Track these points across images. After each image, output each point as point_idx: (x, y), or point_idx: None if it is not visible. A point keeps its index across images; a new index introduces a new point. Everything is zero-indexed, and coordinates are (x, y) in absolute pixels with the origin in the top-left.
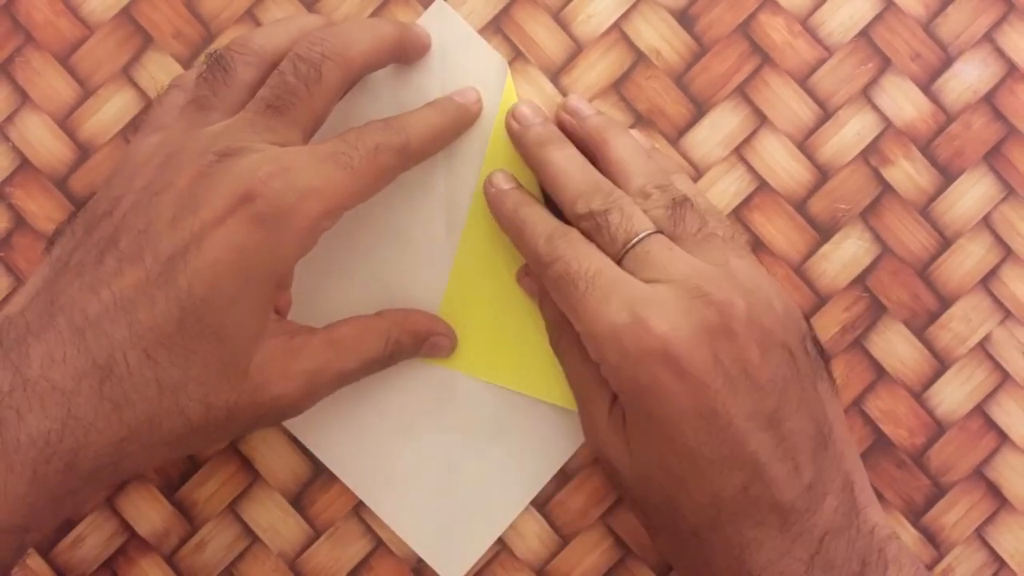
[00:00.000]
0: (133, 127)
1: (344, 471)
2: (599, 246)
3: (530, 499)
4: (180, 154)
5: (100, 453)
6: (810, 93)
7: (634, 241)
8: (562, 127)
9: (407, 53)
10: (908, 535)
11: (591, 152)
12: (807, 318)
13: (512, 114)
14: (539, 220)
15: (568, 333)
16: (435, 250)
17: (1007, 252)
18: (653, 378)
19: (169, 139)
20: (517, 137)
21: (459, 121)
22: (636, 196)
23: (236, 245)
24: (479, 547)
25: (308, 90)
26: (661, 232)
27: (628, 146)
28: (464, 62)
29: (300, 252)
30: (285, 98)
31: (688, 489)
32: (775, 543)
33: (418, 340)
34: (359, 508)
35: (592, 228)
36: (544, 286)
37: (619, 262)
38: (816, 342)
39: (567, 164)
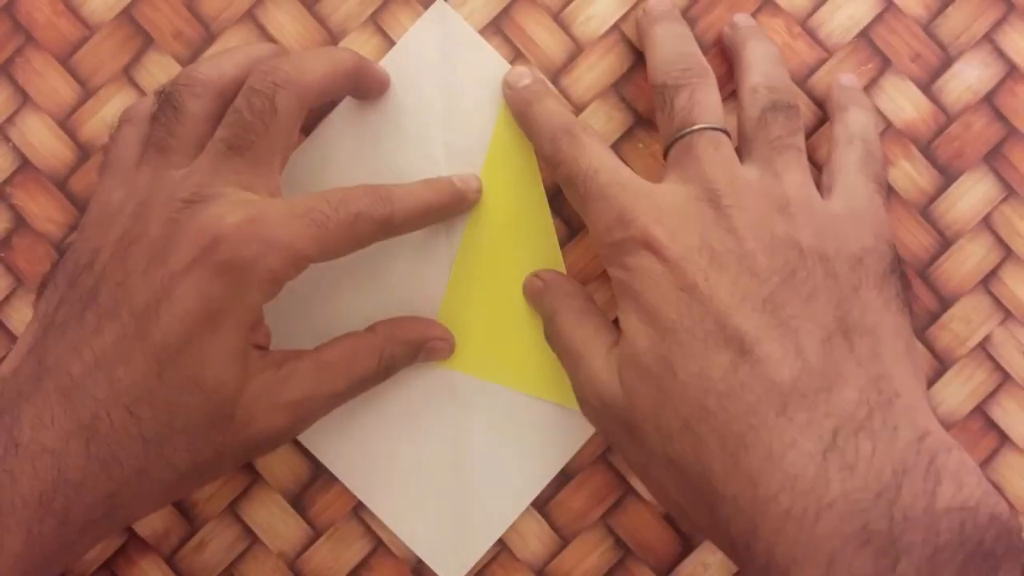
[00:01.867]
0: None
1: (344, 472)
2: (659, 121)
3: (531, 500)
4: (150, 202)
5: (91, 508)
6: (809, 94)
7: (687, 131)
8: (721, 38)
9: (365, 84)
10: None
11: (732, 60)
12: (893, 245)
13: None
14: (547, 117)
15: (565, 308)
16: (435, 251)
17: (1007, 253)
18: (636, 259)
19: (137, 188)
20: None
21: (452, 204)
22: (745, 92)
23: (203, 295)
24: (479, 548)
25: (265, 125)
26: (724, 131)
27: (765, 50)
28: (465, 63)
29: (264, 299)
30: (244, 137)
31: (674, 368)
32: (774, 431)
33: (413, 349)
34: (359, 509)
35: (659, 103)
36: (534, 286)
37: (668, 146)
38: (893, 263)
39: (665, 35)
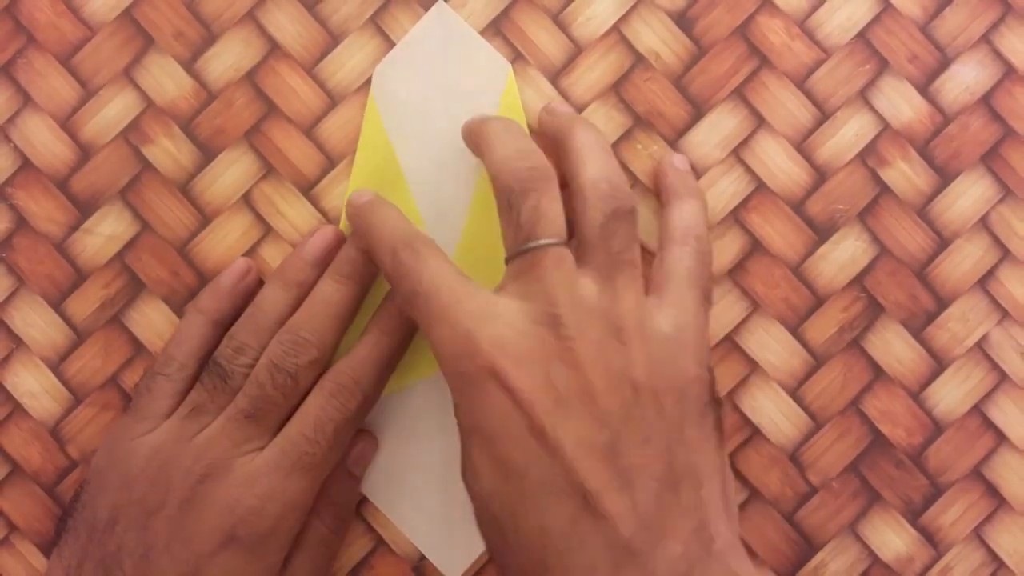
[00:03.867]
0: (134, 129)
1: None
2: (504, 224)
3: None
4: (170, 468)
5: None
6: (808, 95)
7: (531, 245)
8: (539, 127)
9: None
10: (906, 535)
11: (556, 145)
12: (710, 369)
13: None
14: (389, 228)
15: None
16: None
17: (1004, 253)
18: (483, 394)
19: (162, 447)
20: (464, 128)
21: (409, 332)
22: (586, 187)
23: (231, 570)
24: (481, 544)
25: (285, 398)
26: (564, 244)
27: (596, 139)
28: (466, 63)
29: (286, 551)
30: (263, 407)
31: (517, 519)
32: None
33: (353, 492)
34: (361, 507)
35: (503, 206)
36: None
37: (512, 256)
38: (711, 392)
39: (502, 129)
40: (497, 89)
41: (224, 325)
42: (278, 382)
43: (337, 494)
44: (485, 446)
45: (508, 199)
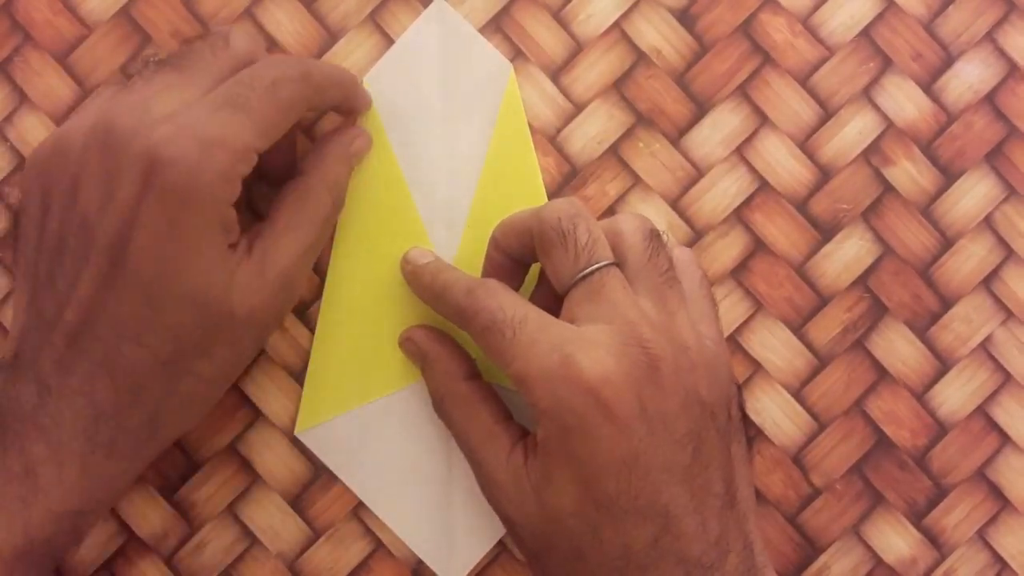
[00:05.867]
0: None
1: (346, 473)
2: (555, 259)
3: None
4: (93, 131)
5: (134, 433)
6: (811, 93)
7: (594, 267)
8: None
9: (350, 104)
10: (910, 537)
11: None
12: (738, 385)
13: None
14: (457, 279)
15: (451, 395)
16: (436, 251)
17: (1009, 252)
18: (582, 420)
19: (93, 109)
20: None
21: (332, 85)
22: (614, 222)
23: (163, 218)
24: (479, 549)
25: (215, 55)
26: (618, 265)
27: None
28: (465, 61)
29: (225, 201)
30: (190, 57)
31: (600, 539)
32: None
33: (345, 159)
34: (359, 509)
35: (556, 238)
36: (427, 352)
37: (572, 286)
38: (741, 407)
39: (519, 210)
40: (498, 90)
41: None
42: (208, 39)
43: (332, 166)
44: (575, 468)
45: (557, 232)
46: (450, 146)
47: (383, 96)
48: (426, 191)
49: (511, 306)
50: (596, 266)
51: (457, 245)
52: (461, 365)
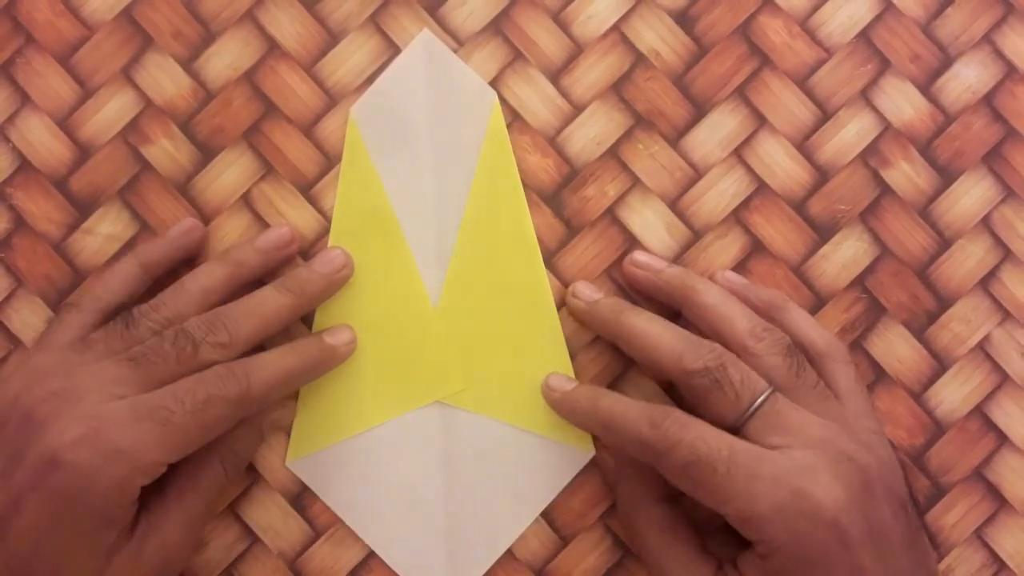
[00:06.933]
0: (133, 129)
1: (335, 502)
2: (714, 404)
3: (518, 534)
4: (31, 383)
5: None
6: (809, 94)
7: (760, 400)
8: (633, 281)
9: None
10: None
11: (674, 303)
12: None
13: (573, 292)
14: (627, 407)
15: (646, 517)
16: (425, 280)
17: (1006, 253)
18: (823, 552)
19: (36, 366)
20: (585, 313)
21: (321, 364)
22: (747, 339)
23: (46, 515)
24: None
25: (177, 361)
26: (777, 388)
27: (717, 291)
28: (451, 92)
29: (120, 502)
30: (151, 358)
31: None
32: None
33: (254, 437)
34: None
35: (710, 384)
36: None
37: (744, 422)
38: (913, 497)
39: (653, 326)
40: (483, 117)
41: (154, 277)
42: (178, 343)
43: (239, 441)
44: None
45: (710, 375)
46: (437, 176)
47: (370, 126)
48: (414, 220)
49: (712, 438)
50: (760, 400)
51: (447, 272)
52: (656, 486)
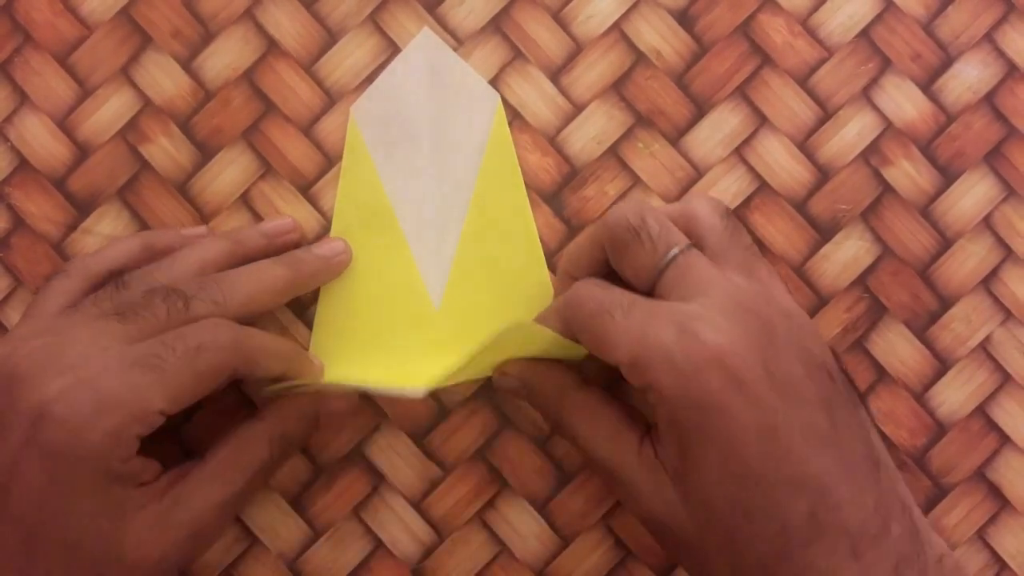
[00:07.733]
0: (132, 128)
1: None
2: (632, 257)
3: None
4: (17, 346)
5: None
6: (810, 93)
7: (675, 252)
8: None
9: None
10: None
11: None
12: (833, 350)
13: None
14: (545, 317)
15: (568, 406)
16: (425, 282)
17: (1008, 253)
18: (710, 393)
19: (21, 329)
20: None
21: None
22: (688, 205)
23: (43, 473)
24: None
25: (168, 316)
26: (707, 248)
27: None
28: (453, 91)
29: (118, 454)
30: (139, 313)
31: (753, 519)
32: (850, 572)
33: (308, 423)
34: (359, 509)
35: (627, 239)
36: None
37: (659, 274)
38: (846, 374)
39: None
40: (486, 119)
41: (150, 260)
42: (169, 299)
43: (291, 423)
44: (711, 446)
45: (628, 230)
46: (439, 176)
47: (371, 125)
48: (414, 220)
49: (618, 292)
50: (675, 251)
51: (450, 273)
52: (568, 376)
